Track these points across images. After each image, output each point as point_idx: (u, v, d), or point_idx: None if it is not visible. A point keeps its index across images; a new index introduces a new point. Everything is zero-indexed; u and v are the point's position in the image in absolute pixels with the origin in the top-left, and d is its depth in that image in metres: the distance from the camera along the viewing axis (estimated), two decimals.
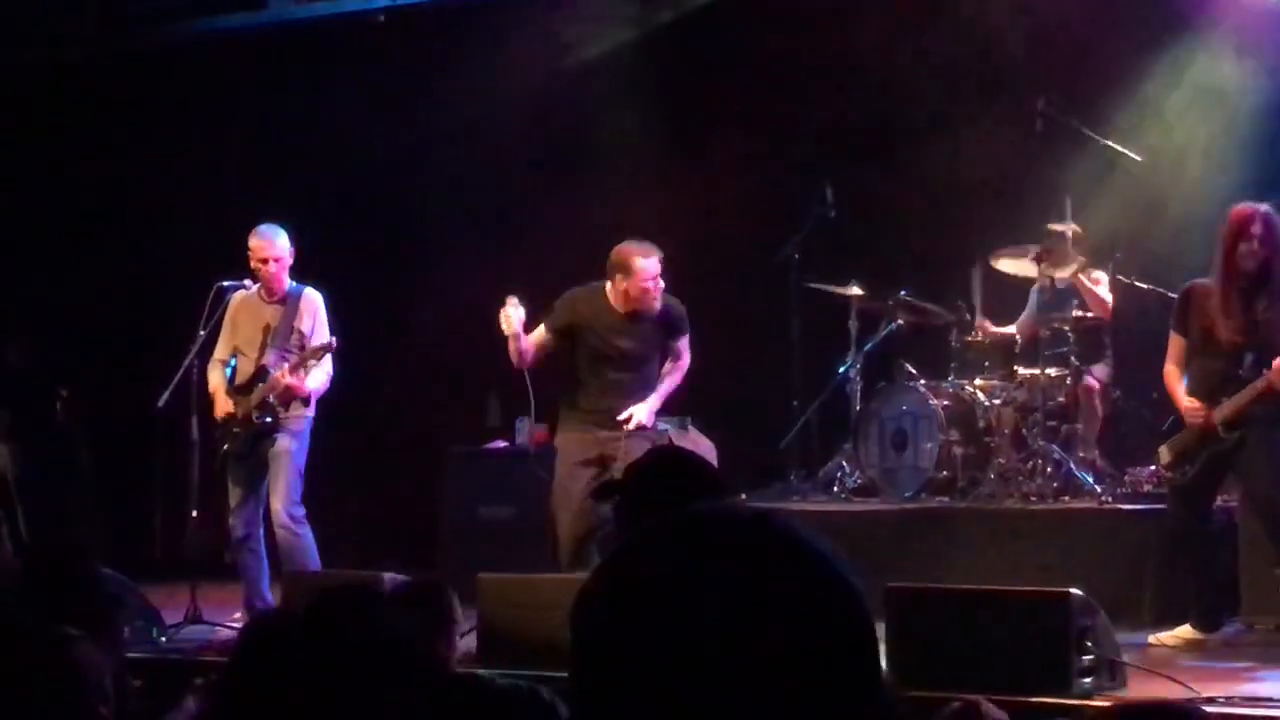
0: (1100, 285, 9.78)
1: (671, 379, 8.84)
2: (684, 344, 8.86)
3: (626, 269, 8.58)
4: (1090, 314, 9.79)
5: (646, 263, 8.55)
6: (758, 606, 1.41)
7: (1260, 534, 8.00)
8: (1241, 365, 7.76)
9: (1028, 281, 10.30)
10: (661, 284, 8.60)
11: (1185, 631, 7.84)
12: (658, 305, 8.64)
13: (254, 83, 12.55)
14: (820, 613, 1.43)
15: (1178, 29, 10.47)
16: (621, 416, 8.57)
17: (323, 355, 8.96)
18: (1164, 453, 8.08)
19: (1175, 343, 8.11)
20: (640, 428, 8.54)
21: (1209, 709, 5.18)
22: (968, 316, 10.34)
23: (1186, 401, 7.93)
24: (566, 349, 8.81)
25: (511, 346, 8.57)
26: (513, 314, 8.53)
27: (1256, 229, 7.69)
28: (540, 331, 8.73)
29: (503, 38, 11.92)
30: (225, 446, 9.01)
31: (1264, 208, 7.80)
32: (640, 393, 8.69)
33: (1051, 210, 10.16)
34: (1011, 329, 10.44)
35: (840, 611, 1.44)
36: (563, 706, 3.50)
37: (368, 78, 12.44)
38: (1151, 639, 7.85)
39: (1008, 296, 10.54)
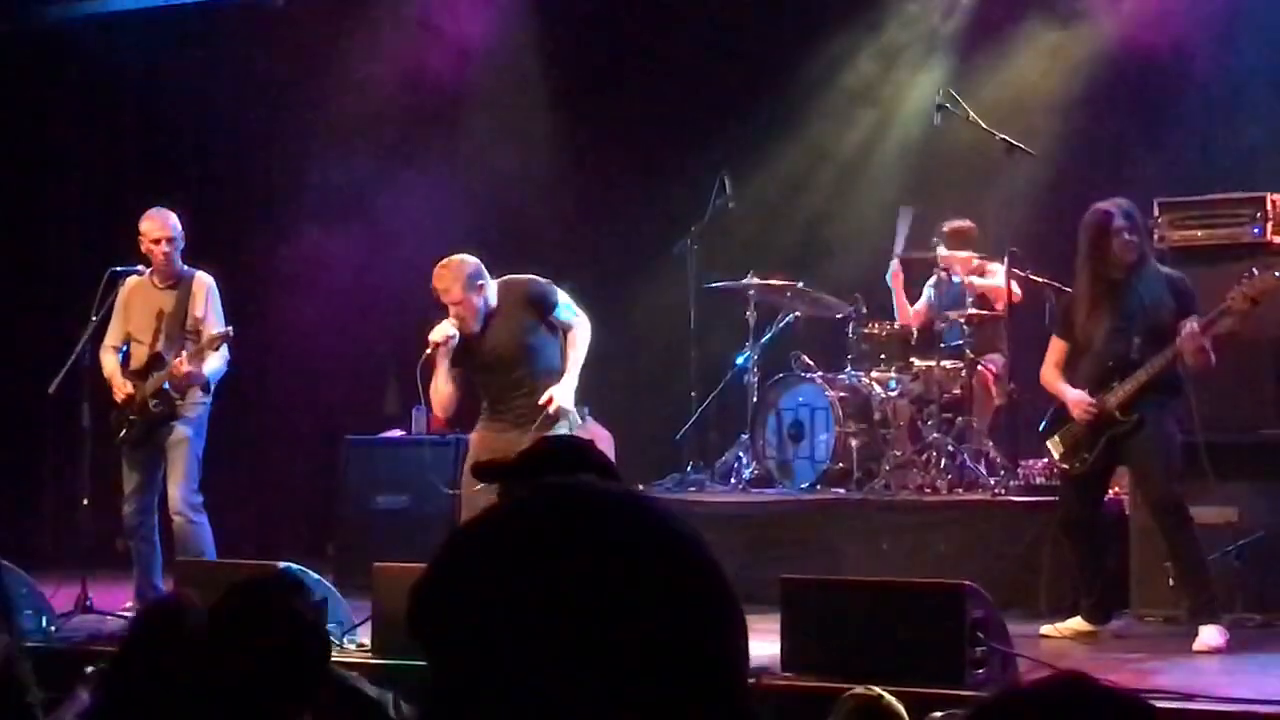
0: (995, 276, 9.82)
1: (575, 352, 8.15)
2: (566, 313, 8.20)
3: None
4: (986, 311, 9.85)
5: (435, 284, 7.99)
6: (611, 588, 1.29)
7: (1150, 526, 8.08)
8: (1131, 349, 7.79)
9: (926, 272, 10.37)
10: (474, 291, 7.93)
11: (1076, 623, 7.91)
12: (473, 323, 8.01)
13: (146, 65, 12.42)
14: (681, 597, 1.32)
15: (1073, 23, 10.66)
16: (542, 400, 7.95)
17: (219, 344, 8.88)
18: (1054, 446, 8.10)
19: (1057, 345, 8.14)
20: (560, 412, 8.18)
21: None
22: (863, 310, 10.39)
23: (1074, 395, 7.97)
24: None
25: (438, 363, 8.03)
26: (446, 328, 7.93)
27: (1121, 222, 7.78)
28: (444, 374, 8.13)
29: (400, 29, 11.93)
30: (121, 433, 8.90)
31: (1119, 201, 7.87)
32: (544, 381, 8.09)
33: (949, 205, 10.25)
34: (907, 322, 10.46)
35: (702, 595, 1.34)
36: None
37: (257, 61, 12.34)
38: (1043, 630, 7.93)
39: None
